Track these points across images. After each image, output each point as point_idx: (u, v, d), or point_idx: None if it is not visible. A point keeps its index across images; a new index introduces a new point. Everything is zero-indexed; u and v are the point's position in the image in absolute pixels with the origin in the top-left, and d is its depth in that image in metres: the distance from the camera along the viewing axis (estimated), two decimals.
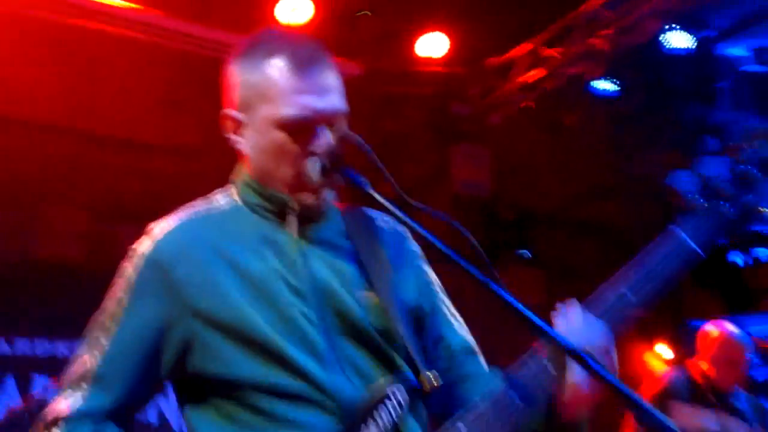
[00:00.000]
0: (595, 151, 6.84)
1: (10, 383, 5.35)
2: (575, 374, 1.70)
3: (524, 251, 7.50)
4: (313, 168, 1.77)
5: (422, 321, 1.94)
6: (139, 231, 1.90)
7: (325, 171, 1.77)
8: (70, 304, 5.09)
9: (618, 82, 6.29)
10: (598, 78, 6.18)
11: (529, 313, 1.59)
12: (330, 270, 1.82)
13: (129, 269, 1.82)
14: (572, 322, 1.74)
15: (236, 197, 1.90)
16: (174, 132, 5.76)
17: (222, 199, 1.92)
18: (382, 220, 1.99)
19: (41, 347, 5.45)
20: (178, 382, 1.84)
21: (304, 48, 1.82)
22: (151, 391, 1.85)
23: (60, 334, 5.31)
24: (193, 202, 1.93)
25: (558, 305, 1.78)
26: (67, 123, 5.55)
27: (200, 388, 1.78)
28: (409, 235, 2.00)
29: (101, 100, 5.51)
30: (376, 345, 1.81)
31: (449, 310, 2.02)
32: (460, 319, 2.04)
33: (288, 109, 1.76)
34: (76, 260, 5.47)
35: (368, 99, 5.97)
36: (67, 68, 5.37)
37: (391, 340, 1.82)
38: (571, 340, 1.60)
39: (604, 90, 6.31)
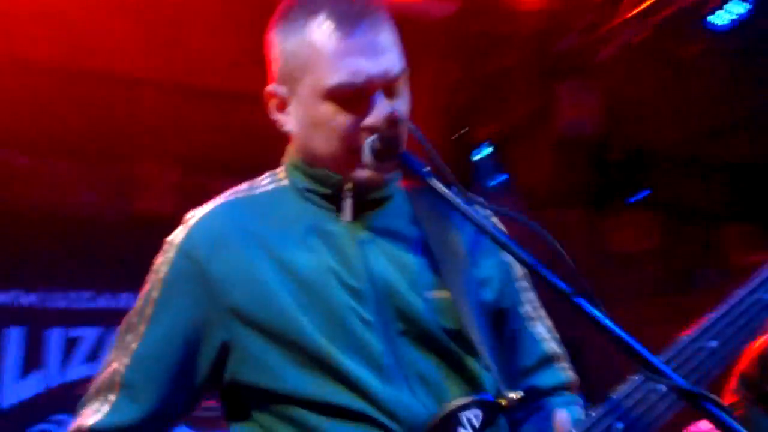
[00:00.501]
0: (716, 84, 6.29)
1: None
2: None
3: (637, 194, 7.05)
4: (367, 146, 1.53)
5: (502, 323, 1.67)
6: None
7: (378, 154, 1.52)
8: None
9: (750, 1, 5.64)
10: (720, 5, 5.58)
11: (627, 338, 1.31)
12: (393, 265, 1.57)
13: (160, 262, 1.60)
14: None
15: (285, 180, 1.67)
16: (266, 82, 5.62)
17: (268, 181, 1.69)
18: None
19: None
20: (222, 394, 1.64)
21: (350, 1, 1.57)
22: (186, 403, 1.62)
23: None
24: (238, 186, 1.71)
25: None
26: (157, 75, 5.51)
27: (243, 401, 1.57)
28: (494, 218, 1.70)
29: (190, 52, 5.42)
30: (448, 351, 1.55)
31: (533, 312, 1.74)
32: (546, 322, 1.76)
33: (335, 76, 1.51)
34: (169, 213, 5.48)
35: (464, 39, 5.64)
36: (155, 19, 5.31)
37: (466, 346, 1.56)
38: None
39: (725, 19, 5.70)
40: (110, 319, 5.43)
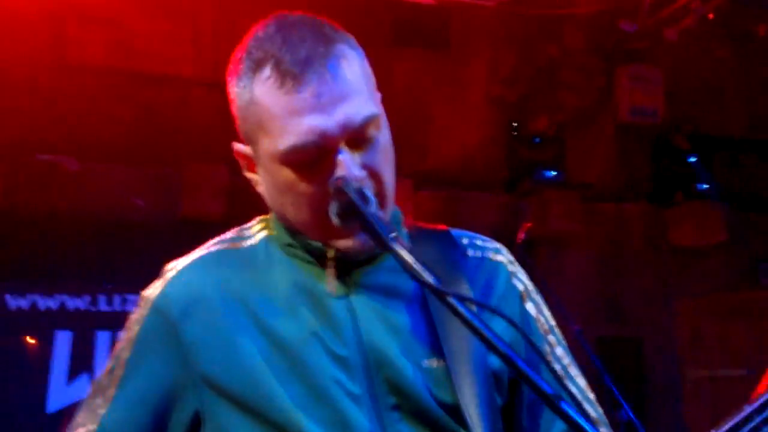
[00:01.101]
0: None
1: None
2: None
3: (703, 184, 6.72)
4: (331, 212, 1.32)
5: (522, 390, 1.44)
6: None
7: (341, 214, 1.31)
8: None
9: None
10: None
11: None
12: (385, 327, 1.38)
13: (133, 320, 1.45)
14: None
15: (273, 231, 1.48)
16: None
17: (257, 229, 1.51)
18: (472, 244, 1.53)
19: None
20: None
21: (297, 44, 1.32)
22: None
23: None
24: (226, 233, 1.52)
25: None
26: (206, 76, 5.43)
27: None
28: (515, 266, 1.52)
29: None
30: (445, 428, 1.36)
31: (561, 372, 1.48)
32: (579, 381, 1.49)
33: (286, 139, 1.31)
34: (218, 216, 5.39)
35: (522, 22, 5.41)
36: (203, 20, 5.25)
37: (465, 423, 1.34)
38: None
39: None
40: None
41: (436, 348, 1.37)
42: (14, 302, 5.17)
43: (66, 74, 5.31)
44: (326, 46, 1.32)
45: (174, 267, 1.46)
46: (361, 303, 1.38)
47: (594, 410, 1.48)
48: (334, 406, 1.33)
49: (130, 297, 5.40)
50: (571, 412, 1.09)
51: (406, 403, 1.35)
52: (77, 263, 5.23)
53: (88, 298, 5.36)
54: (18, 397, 5.10)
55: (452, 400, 1.35)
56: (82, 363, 5.29)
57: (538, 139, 6.28)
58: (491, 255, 1.52)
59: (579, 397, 1.46)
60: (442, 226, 1.55)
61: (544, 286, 3.83)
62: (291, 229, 1.43)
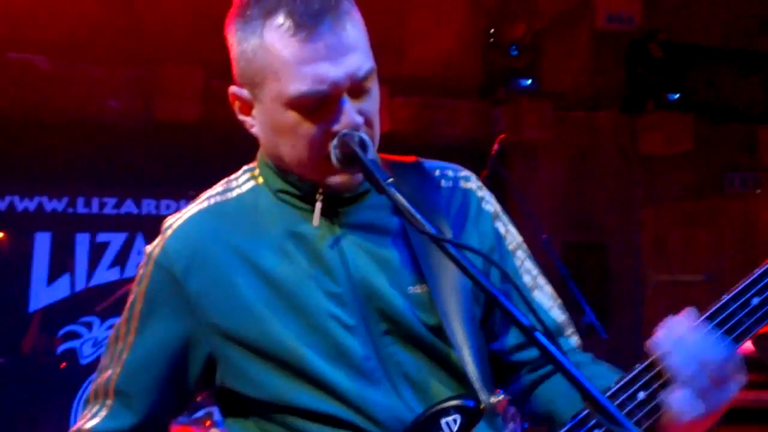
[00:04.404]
0: None
1: (140, 241, 5.49)
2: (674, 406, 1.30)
3: (675, 94, 6.77)
4: (333, 151, 1.43)
5: (492, 304, 1.55)
6: None
7: (341, 162, 1.43)
8: (190, 163, 5.11)
9: None
10: None
11: (584, 381, 1.18)
12: (373, 261, 1.50)
13: (141, 274, 1.57)
14: (684, 336, 1.31)
15: (260, 178, 1.59)
16: None
17: (243, 179, 1.61)
18: (444, 175, 1.64)
19: (166, 207, 5.52)
20: (215, 395, 1.61)
21: None
22: (180, 405, 1.63)
23: (183, 193, 5.30)
24: (215, 186, 1.62)
25: (668, 318, 1.34)
26: None
27: (237, 402, 1.55)
28: (483, 191, 1.65)
29: None
30: (432, 348, 1.50)
31: (531, 282, 1.62)
32: (547, 289, 1.64)
33: (296, 85, 1.40)
34: (192, 119, 5.35)
35: None
36: None
37: (449, 340, 1.48)
38: (682, 360, 1.28)
39: None
40: (134, 226, 5.47)
41: (419, 275, 1.50)
42: None
43: None
44: (336, 1, 1.41)
45: (171, 225, 1.56)
46: (348, 241, 1.50)
47: (563, 314, 1.62)
48: (332, 337, 1.46)
49: (108, 200, 5.44)
50: (546, 344, 1.21)
51: (396, 328, 1.48)
52: (54, 165, 5.22)
53: (66, 200, 5.38)
54: (0, 297, 5.18)
55: (436, 321, 1.48)
56: (61, 264, 5.36)
57: (514, 48, 6.25)
58: (462, 183, 1.63)
59: (549, 302, 1.61)
60: (412, 158, 1.66)
61: (516, 195, 3.93)
62: (282, 170, 1.52)
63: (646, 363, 1.33)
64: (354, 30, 1.42)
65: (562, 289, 3.69)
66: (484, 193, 1.65)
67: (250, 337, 1.47)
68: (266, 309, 1.47)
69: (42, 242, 5.31)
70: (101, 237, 5.46)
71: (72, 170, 5.26)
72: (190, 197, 1.63)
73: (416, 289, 1.50)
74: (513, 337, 1.58)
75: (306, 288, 1.47)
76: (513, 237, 1.65)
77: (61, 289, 5.36)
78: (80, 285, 5.42)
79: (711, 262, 6.79)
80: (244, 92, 1.49)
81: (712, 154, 7.03)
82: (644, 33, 6.53)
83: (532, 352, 1.56)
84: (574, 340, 1.62)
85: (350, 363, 1.46)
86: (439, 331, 1.48)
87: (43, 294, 5.31)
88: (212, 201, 1.58)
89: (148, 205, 5.52)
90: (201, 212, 1.56)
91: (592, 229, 6.99)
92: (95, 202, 5.42)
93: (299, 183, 1.51)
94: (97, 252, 5.45)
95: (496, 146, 3.76)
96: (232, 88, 1.52)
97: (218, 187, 1.61)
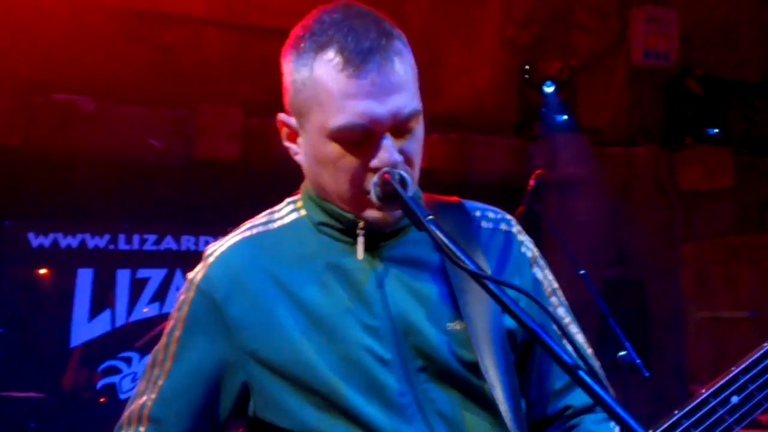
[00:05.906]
0: None
1: (179, 277, 5.57)
2: None
3: (713, 129, 6.71)
4: (372, 189, 1.47)
5: (532, 346, 1.59)
6: None
7: (383, 198, 1.46)
8: (228, 200, 5.18)
9: None
10: None
11: (625, 416, 1.15)
12: (411, 296, 1.52)
13: (182, 300, 1.59)
14: None
15: (303, 210, 1.63)
16: None
17: (286, 211, 1.65)
18: (484, 216, 1.67)
19: (205, 243, 5.57)
20: (247, 426, 1.61)
21: (362, 34, 1.45)
22: None
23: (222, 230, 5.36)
24: (257, 216, 1.66)
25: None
26: (219, 15, 5.44)
27: None
28: (523, 236, 1.67)
29: None
30: (468, 385, 1.50)
31: (561, 330, 1.58)
32: (578, 338, 1.64)
33: (340, 117, 1.44)
34: (231, 157, 5.43)
35: None
36: None
37: (484, 377, 1.49)
38: None
39: None
40: (174, 262, 5.54)
41: (457, 312, 1.50)
42: (36, 240, 5.29)
43: (81, 14, 5.30)
44: (387, 41, 1.45)
45: (212, 252, 1.59)
46: (388, 276, 1.52)
47: (594, 362, 1.61)
48: (367, 371, 1.47)
49: (149, 236, 5.51)
50: (589, 381, 1.20)
51: (432, 365, 1.49)
52: (96, 202, 5.31)
53: (108, 237, 5.47)
54: (43, 332, 5.25)
55: (472, 358, 1.49)
56: (103, 300, 5.43)
57: (550, 84, 6.26)
58: (503, 226, 1.66)
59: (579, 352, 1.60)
60: (454, 198, 1.69)
61: (553, 231, 3.90)
62: (323, 199, 1.55)
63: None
64: (402, 70, 1.46)
65: (602, 326, 3.65)
66: (524, 238, 1.68)
67: (286, 366, 1.49)
68: (304, 339, 1.49)
69: (84, 278, 5.40)
70: (141, 273, 5.53)
71: (114, 208, 5.36)
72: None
73: (455, 326, 1.51)
74: (552, 382, 1.59)
75: (344, 320, 1.49)
76: (549, 283, 1.66)
77: (101, 325, 5.43)
78: (120, 320, 5.49)
79: (754, 297, 6.66)
80: (292, 120, 1.54)
81: (752, 187, 6.93)
82: (680, 68, 6.51)
83: (567, 400, 1.57)
84: None
85: (385, 398, 1.46)
86: (475, 368, 1.49)
87: (84, 329, 5.38)
88: (255, 231, 1.61)
89: (187, 242, 5.60)
90: (243, 241, 1.59)
91: (631, 265, 6.91)
92: (136, 239, 5.50)
93: (341, 216, 1.54)
94: (137, 288, 5.53)
95: (532, 182, 3.75)
96: (281, 116, 1.56)
97: (261, 218, 1.64)
